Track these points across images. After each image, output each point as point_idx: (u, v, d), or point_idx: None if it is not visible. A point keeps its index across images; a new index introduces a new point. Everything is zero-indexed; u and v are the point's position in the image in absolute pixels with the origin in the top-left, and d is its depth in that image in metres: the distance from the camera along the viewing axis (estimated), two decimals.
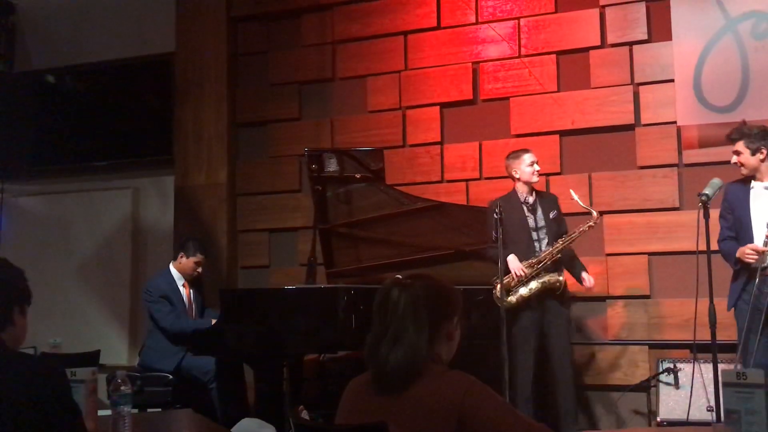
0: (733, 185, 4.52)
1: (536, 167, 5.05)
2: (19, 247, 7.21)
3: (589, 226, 4.90)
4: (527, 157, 5.06)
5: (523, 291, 4.87)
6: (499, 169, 6.00)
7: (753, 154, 4.38)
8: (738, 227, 4.41)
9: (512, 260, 4.88)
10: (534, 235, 4.98)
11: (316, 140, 6.49)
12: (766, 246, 4.15)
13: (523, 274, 4.84)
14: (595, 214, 4.90)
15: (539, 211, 5.03)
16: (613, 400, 5.56)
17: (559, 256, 4.90)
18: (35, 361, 2.25)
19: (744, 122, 4.57)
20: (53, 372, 2.20)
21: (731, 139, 4.48)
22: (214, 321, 5.41)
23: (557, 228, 5.02)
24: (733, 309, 4.40)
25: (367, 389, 2.10)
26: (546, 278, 4.86)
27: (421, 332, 2.05)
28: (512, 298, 4.86)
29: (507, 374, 4.55)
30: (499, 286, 4.80)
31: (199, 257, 5.68)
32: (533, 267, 4.87)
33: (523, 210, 5.02)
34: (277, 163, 6.73)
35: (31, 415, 2.09)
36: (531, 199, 5.05)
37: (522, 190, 5.07)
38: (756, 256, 4.18)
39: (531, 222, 5.00)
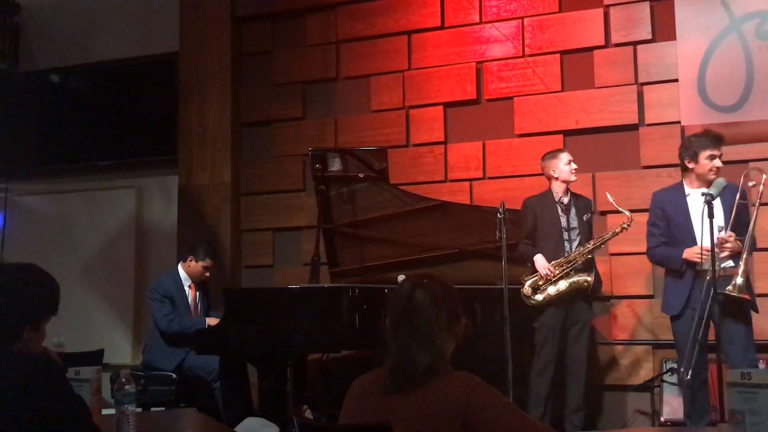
0: (663, 194, 4.68)
1: (573, 165, 5.06)
2: (23, 246, 7.23)
3: (623, 228, 4.91)
4: (564, 156, 5.08)
5: (552, 290, 4.88)
6: (503, 168, 6.03)
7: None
8: (676, 233, 4.52)
9: (539, 259, 4.92)
10: (565, 235, 4.99)
11: (319, 140, 6.49)
12: (717, 248, 4.18)
13: (549, 273, 4.85)
14: (628, 215, 4.89)
15: (573, 212, 5.04)
16: (616, 400, 5.56)
17: (590, 256, 4.92)
18: (33, 360, 2.26)
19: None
20: (50, 369, 2.21)
21: (721, 143, 4.58)
22: (210, 320, 5.42)
23: (590, 231, 5.04)
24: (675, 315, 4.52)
25: (373, 389, 2.10)
26: (575, 278, 4.87)
27: (445, 332, 2.07)
28: (540, 297, 4.90)
29: (510, 374, 4.55)
30: (527, 284, 4.88)
31: (208, 262, 5.69)
32: (563, 266, 4.88)
33: (557, 209, 5.03)
34: (280, 163, 6.73)
35: (32, 412, 2.10)
36: (566, 200, 5.06)
37: (558, 189, 5.07)
38: (705, 256, 4.24)
39: (563, 222, 5.01)
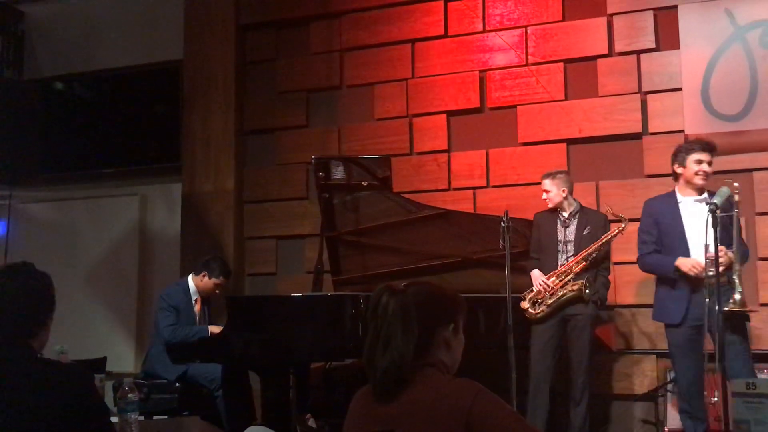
0: (655, 202, 4.68)
1: (547, 190, 5.08)
2: (27, 253, 7.22)
3: (614, 234, 4.91)
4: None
5: (550, 301, 4.89)
6: (506, 177, 6.03)
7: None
8: (668, 241, 4.50)
9: (535, 273, 4.98)
10: (560, 247, 5.01)
11: (323, 148, 6.49)
12: (707, 266, 4.17)
13: (543, 286, 4.86)
14: (624, 220, 4.90)
15: (573, 226, 5.03)
16: (621, 410, 5.53)
17: (584, 263, 4.89)
18: (64, 368, 2.29)
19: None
20: (81, 377, 2.22)
21: (710, 150, 4.53)
22: (213, 328, 5.39)
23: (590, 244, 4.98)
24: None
25: (370, 398, 2.10)
26: (569, 287, 4.87)
27: (409, 338, 2.04)
28: (539, 309, 4.90)
29: (514, 383, 4.53)
30: (527, 298, 4.92)
31: (221, 280, 5.63)
32: (560, 277, 4.89)
33: (556, 223, 5.05)
34: (284, 171, 6.73)
35: (62, 419, 2.11)
36: (566, 214, 5.06)
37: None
38: (698, 270, 4.26)
39: (560, 235, 5.03)
